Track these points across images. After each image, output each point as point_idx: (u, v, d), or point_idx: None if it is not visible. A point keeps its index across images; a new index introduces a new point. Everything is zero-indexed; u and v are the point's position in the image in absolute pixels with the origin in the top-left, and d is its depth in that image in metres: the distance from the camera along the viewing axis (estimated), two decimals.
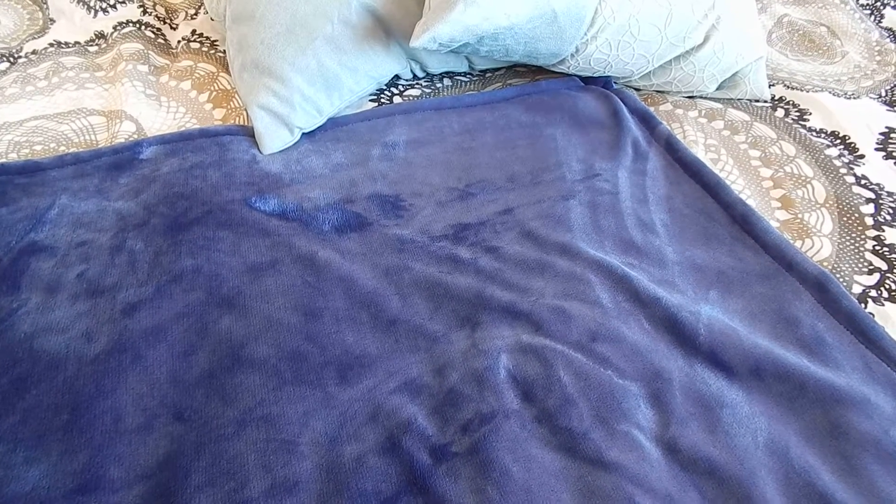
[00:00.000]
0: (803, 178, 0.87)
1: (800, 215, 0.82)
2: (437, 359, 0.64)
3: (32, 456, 0.55)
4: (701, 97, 1.02)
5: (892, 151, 0.91)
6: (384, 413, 0.59)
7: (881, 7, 1.23)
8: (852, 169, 0.88)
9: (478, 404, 0.59)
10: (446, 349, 0.64)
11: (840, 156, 0.90)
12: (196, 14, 1.17)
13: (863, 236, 0.79)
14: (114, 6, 1.16)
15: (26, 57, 1.05)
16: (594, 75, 1.01)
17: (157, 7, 1.18)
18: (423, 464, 0.55)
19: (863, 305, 0.70)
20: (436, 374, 0.62)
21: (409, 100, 1.01)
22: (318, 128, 0.92)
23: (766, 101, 1.01)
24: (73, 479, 0.54)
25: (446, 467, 0.55)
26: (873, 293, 0.72)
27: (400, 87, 1.04)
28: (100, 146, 0.89)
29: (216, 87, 1.01)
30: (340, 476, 0.55)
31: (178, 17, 1.17)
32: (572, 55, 0.96)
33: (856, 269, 0.75)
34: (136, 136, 0.90)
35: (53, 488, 0.53)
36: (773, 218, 0.81)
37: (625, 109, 0.95)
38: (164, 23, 1.15)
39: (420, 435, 0.57)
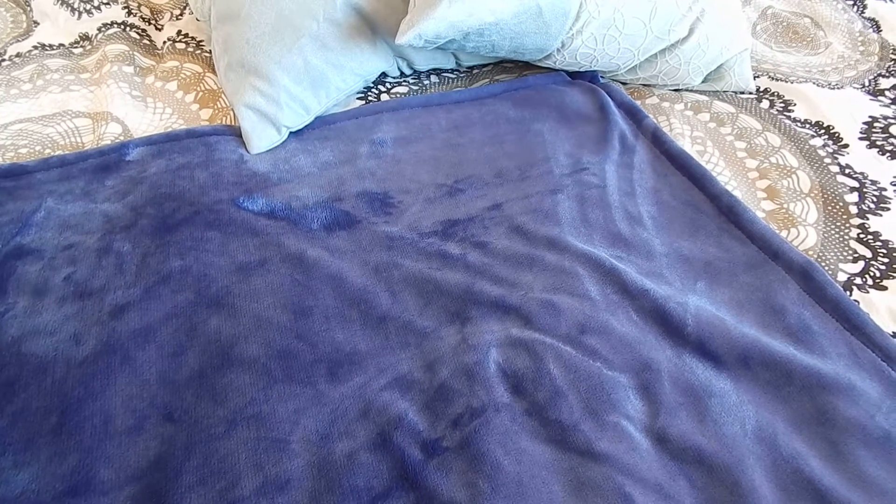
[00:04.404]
0: (788, 168, 0.88)
1: (785, 205, 0.82)
2: (428, 354, 0.64)
3: (22, 459, 0.55)
4: (687, 90, 1.02)
5: (876, 140, 0.92)
6: (375, 409, 0.59)
7: None
8: (836, 158, 0.89)
9: (468, 399, 0.59)
10: (436, 345, 0.64)
11: (824, 146, 0.91)
12: (181, 14, 1.16)
13: (847, 225, 0.79)
14: (98, 8, 1.15)
15: (10, 60, 1.04)
16: (581, 70, 1.01)
17: (142, 8, 1.17)
18: (415, 459, 0.55)
19: (848, 293, 0.71)
20: (426, 369, 0.63)
21: (397, 97, 1.01)
22: (306, 126, 0.92)
23: (751, 93, 1.02)
24: (63, 481, 0.54)
25: (438, 462, 0.55)
26: (858, 281, 0.73)
27: (387, 84, 1.04)
28: (86, 148, 0.88)
29: (202, 88, 1.00)
30: (332, 473, 0.55)
31: (163, 17, 1.16)
32: (558, 50, 0.96)
33: (841, 257, 0.75)
34: (122, 138, 0.90)
35: (43, 491, 0.53)
36: (759, 208, 0.82)
37: (611, 103, 0.96)
38: (149, 24, 1.15)
39: (411, 430, 0.57)
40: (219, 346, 0.64)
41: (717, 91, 1.02)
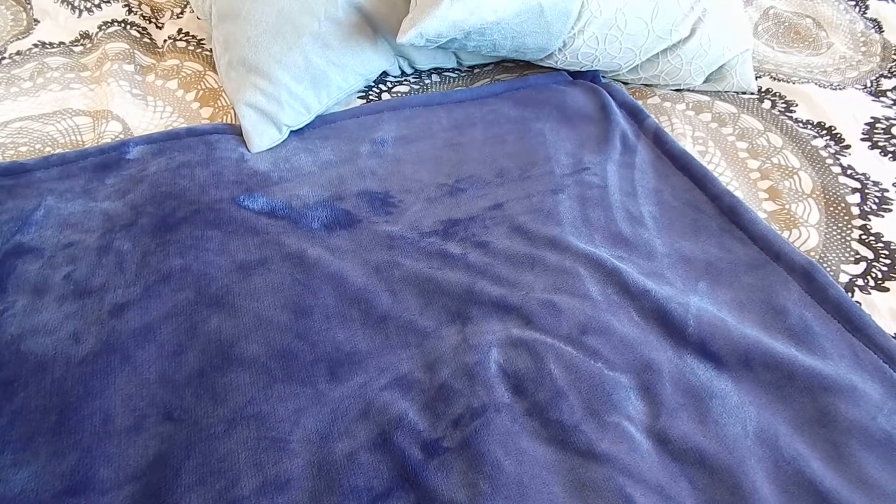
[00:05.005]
0: (790, 169, 0.88)
1: (787, 206, 0.82)
2: (428, 354, 0.64)
3: (21, 458, 0.55)
4: (688, 90, 1.02)
5: (878, 141, 0.92)
6: (375, 409, 0.59)
7: None
8: (838, 159, 0.89)
9: (469, 399, 0.59)
10: (437, 344, 0.64)
11: (826, 146, 0.91)
12: (182, 13, 1.16)
13: (849, 226, 0.79)
14: (98, 6, 1.15)
15: (10, 58, 1.04)
16: (582, 70, 1.01)
17: (143, 6, 1.17)
18: (415, 459, 0.55)
19: (850, 294, 0.71)
20: (427, 369, 0.62)
21: (398, 96, 1.01)
22: (307, 125, 0.91)
23: (752, 93, 1.01)
24: (63, 480, 0.54)
25: (438, 462, 0.55)
26: (860, 282, 0.72)
27: (388, 83, 1.03)
28: (86, 147, 0.88)
29: (203, 86, 1.00)
30: (332, 473, 0.55)
31: (163, 15, 1.16)
32: (560, 50, 0.96)
33: (842, 258, 0.75)
34: (122, 136, 0.90)
35: (42, 490, 0.53)
36: (761, 209, 0.82)
37: (613, 103, 0.96)
38: (150, 22, 1.15)
39: (411, 430, 0.57)
40: (219, 346, 0.64)
41: (719, 91, 1.02)
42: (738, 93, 1.01)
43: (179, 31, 1.11)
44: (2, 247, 0.72)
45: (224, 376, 0.61)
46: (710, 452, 0.56)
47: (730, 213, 0.78)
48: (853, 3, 1.24)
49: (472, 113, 0.95)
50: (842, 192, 0.84)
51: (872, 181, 0.85)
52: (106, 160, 0.84)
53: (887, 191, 0.84)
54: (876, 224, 0.79)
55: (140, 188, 0.80)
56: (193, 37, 1.10)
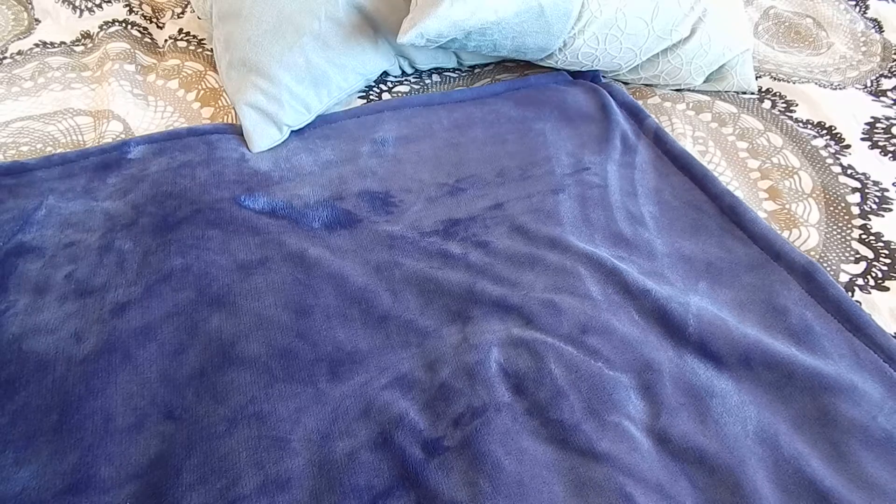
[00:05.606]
0: (790, 168, 0.88)
1: (787, 206, 0.82)
2: (429, 354, 0.64)
3: (22, 457, 0.55)
4: (688, 90, 1.02)
5: (878, 141, 0.92)
6: (376, 408, 0.59)
7: None
8: (839, 159, 0.89)
9: (469, 398, 0.59)
10: (437, 344, 0.64)
11: (826, 146, 0.91)
12: (183, 13, 1.16)
13: (849, 225, 0.79)
14: (99, 6, 1.15)
15: (11, 58, 1.04)
16: (582, 69, 1.01)
17: (144, 6, 1.17)
18: (416, 458, 0.55)
19: (850, 294, 0.71)
20: (427, 368, 0.63)
21: (398, 96, 1.01)
22: (307, 125, 0.92)
23: (753, 93, 1.02)
24: (64, 479, 0.54)
25: (439, 461, 0.55)
26: (860, 281, 0.72)
27: (388, 83, 1.03)
28: (87, 146, 0.88)
29: (204, 86, 1.00)
30: (333, 472, 0.55)
31: (164, 15, 1.16)
32: (560, 49, 0.96)
33: (842, 257, 0.75)
34: (123, 136, 0.90)
35: (44, 489, 0.53)
36: (761, 209, 0.82)
37: (613, 103, 0.96)
38: (151, 22, 1.15)
39: (412, 429, 0.57)
40: (220, 345, 0.64)
41: (719, 91, 1.02)
42: (738, 93, 1.01)
43: (180, 30, 1.11)
44: (3, 246, 0.73)
45: (225, 375, 0.61)
46: (711, 452, 0.56)
47: (730, 213, 0.78)
48: (853, 2, 1.24)
49: (473, 113, 0.95)
50: (842, 191, 0.84)
51: (872, 181, 0.85)
52: (107, 160, 0.84)
53: (887, 190, 0.84)
54: (876, 224, 0.79)
55: (141, 188, 0.80)
56: (194, 37, 1.10)
